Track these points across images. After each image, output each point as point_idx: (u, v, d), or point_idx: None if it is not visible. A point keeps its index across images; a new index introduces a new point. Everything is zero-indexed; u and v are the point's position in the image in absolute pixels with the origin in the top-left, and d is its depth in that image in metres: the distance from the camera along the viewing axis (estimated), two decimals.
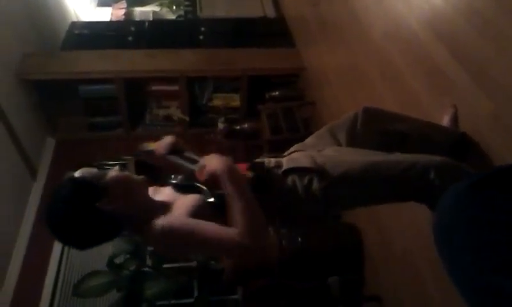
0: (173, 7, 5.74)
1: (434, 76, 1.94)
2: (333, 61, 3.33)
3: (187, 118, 4.28)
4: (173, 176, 1.54)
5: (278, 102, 3.94)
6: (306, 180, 1.47)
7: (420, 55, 2.05)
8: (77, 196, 1.29)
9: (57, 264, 3.42)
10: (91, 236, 1.37)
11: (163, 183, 1.54)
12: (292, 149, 1.69)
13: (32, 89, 3.90)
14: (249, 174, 1.48)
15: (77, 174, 1.33)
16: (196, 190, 1.44)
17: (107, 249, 2.98)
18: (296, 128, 3.62)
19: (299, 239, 2.77)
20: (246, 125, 4.17)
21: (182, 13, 5.62)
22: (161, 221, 1.32)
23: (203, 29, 4.65)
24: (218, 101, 4.34)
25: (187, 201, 1.41)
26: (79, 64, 3.98)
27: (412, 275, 2.25)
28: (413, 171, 1.44)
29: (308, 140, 1.75)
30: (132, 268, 2.88)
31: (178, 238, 1.32)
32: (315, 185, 1.46)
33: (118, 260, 2.91)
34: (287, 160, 1.57)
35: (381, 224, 2.61)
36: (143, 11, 5.81)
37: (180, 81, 4.07)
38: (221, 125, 4.17)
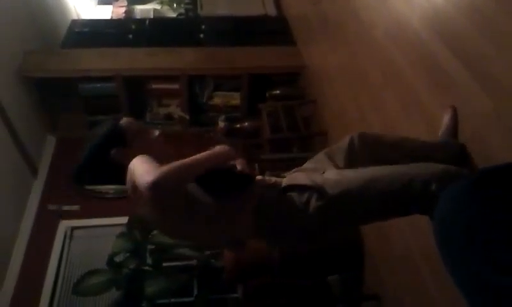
0: (173, 5, 5.73)
1: (435, 75, 1.94)
2: (334, 60, 3.33)
3: (188, 117, 4.28)
4: None
5: (279, 100, 3.93)
6: (305, 198, 1.46)
7: (421, 54, 2.04)
8: (103, 136, 1.45)
9: (57, 262, 3.43)
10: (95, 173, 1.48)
11: None
12: (292, 171, 1.68)
13: (33, 87, 3.90)
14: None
15: (121, 120, 1.50)
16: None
17: (107, 247, 2.99)
18: (297, 127, 3.62)
19: None
20: (246, 124, 4.16)
21: (182, 11, 5.62)
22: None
23: (203, 27, 4.64)
24: (218, 99, 4.34)
25: None
26: (80, 62, 3.98)
27: (412, 274, 2.25)
28: (414, 184, 1.42)
29: (307, 164, 1.73)
30: (132, 266, 2.88)
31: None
32: (313, 203, 1.45)
33: (117, 259, 2.92)
34: (288, 178, 1.57)
35: (381, 223, 2.61)
36: (143, 9, 5.80)
37: (181, 79, 4.07)
38: (221, 124, 4.17)
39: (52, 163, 4.06)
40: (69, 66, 3.94)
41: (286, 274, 2.81)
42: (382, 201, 1.45)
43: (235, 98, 4.33)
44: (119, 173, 1.40)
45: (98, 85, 4.06)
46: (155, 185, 1.22)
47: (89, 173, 1.49)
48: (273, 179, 1.58)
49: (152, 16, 5.60)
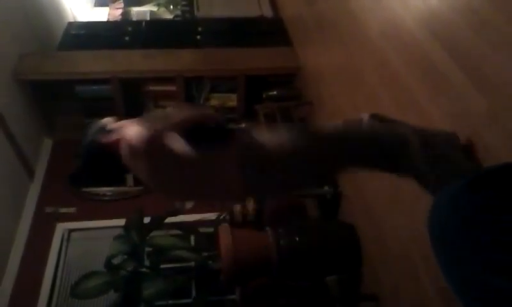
0: (170, 7, 5.74)
1: (430, 75, 1.95)
2: (330, 61, 3.33)
3: None
4: None
5: (275, 101, 3.94)
6: None
7: (417, 54, 2.05)
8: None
9: (54, 265, 3.42)
10: None
11: None
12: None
13: (29, 89, 3.89)
14: None
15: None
16: None
17: (104, 250, 2.98)
18: None
19: (297, 238, 2.78)
20: (243, 125, 4.16)
21: (179, 12, 5.62)
22: None
23: (200, 28, 4.64)
24: (215, 101, 4.34)
25: None
26: (76, 64, 3.97)
27: (410, 274, 2.25)
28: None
29: None
30: (130, 268, 2.87)
31: None
32: None
33: (115, 261, 2.91)
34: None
35: (378, 223, 2.61)
36: (140, 11, 5.80)
37: (177, 81, 4.07)
38: None
39: (49, 166, 4.06)
40: (65, 68, 3.94)
41: (284, 275, 2.81)
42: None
43: (232, 100, 4.33)
44: (114, 168, 1.40)
45: (95, 87, 4.06)
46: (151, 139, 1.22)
47: (86, 174, 1.50)
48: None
49: (148, 18, 5.60)
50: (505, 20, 1.51)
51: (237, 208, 3.22)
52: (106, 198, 3.81)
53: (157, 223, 3.08)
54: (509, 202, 0.70)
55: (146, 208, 3.17)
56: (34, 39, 4.18)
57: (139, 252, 2.96)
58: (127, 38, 4.45)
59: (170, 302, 2.97)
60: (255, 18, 4.98)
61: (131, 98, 4.16)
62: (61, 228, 3.62)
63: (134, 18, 5.67)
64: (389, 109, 2.34)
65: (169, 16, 5.72)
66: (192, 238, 3.39)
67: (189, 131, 1.31)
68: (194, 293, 3.11)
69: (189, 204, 3.67)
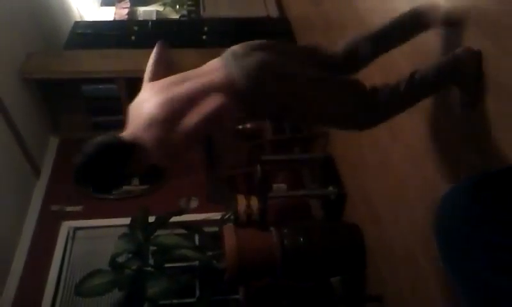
0: (176, 6, 5.75)
1: None
2: None
3: None
4: None
5: None
6: None
7: (424, 56, 2.04)
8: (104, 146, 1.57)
9: (59, 262, 3.43)
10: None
11: None
12: None
13: (36, 88, 3.91)
14: None
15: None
16: None
17: (109, 248, 2.99)
18: (299, 128, 3.62)
19: (301, 239, 2.77)
20: (248, 125, 4.17)
21: (185, 12, 5.64)
22: None
23: (206, 28, 4.65)
24: None
25: None
26: (82, 63, 3.98)
27: (415, 274, 2.25)
28: None
29: None
30: (134, 267, 2.88)
31: None
32: None
33: (120, 259, 2.92)
34: None
35: (383, 224, 2.61)
36: (146, 11, 5.82)
37: None
38: None
39: (55, 164, 4.07)
40: (71, 67, 3.95)
41: (288, 276, 2.81)
42: None
43: None
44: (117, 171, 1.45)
45: (101, 86, 4.07)
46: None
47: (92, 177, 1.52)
48: None
49: (154, 18, 5.61)
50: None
51: (242, 208, 3.22)
52: (111, 197, 3.82)
53: (162, 222, 3.09)
54: None
55: (151, 207, 3.18)
56: (41, 38, 4.20)
57: (143, 251, 2.96)
58: (133, 38, 4.46)
59: (174, 301, 2.97)
60: (261, 18, 4.98)
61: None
62: (67, 226, 3.63)
63: (140, 18, 5.69)
64: None
65: (175, 16, 5.73)
66: (196, 237, 3.39)
67: None
68: (198, 292, 3.12)
69: (193, 204, 3.69)
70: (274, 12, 5.09)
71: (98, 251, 3.38)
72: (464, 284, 0.69)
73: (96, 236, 3.61)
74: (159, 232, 3.08)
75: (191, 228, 3.27)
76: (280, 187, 3.61)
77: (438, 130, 1.97)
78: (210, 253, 3.08)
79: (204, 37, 4.56)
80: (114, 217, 3.59)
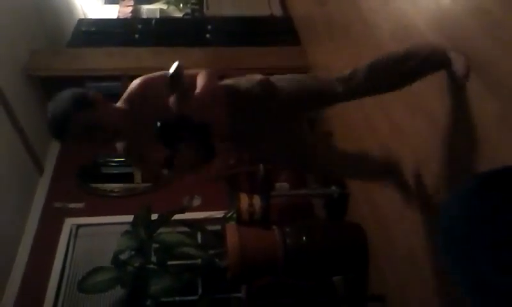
0: (179, 5, 5.76)
1: (441, 77, 1.93)
2: (339, 61, 3.32)
3: None
4: None
5: None
6: None
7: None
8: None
9: (62, 259, 3.44)
10: None
11: None
12: None
13: (39, 85, 3.92)
14: None
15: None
16: None
17: (112, 245, 3.00)
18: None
19: (304, 238, 2.77)
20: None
21: (188, 11, 5.64)
22: None
23: (209, 27, 4.65)
24: None
25: None
26: (86, 61, 4.00)
27: (417, 274, 2.25)
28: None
29: None
30: (137, 264, 2.89)
31: None
32: None
33: (122, 257, 2.93)
34: None
35: (385, 223, 2.61)
36: (150, 9, 5.83)
37: None
38: None
39: (58, 161, 4.08)
40: (76, 65, 3.96)
41: (290, 274, 2.81)
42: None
43: None
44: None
45: (105, 84, 4.08)
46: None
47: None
48: None
49: (158, 16, 5.62)
50: None
51: (245, 206, 3.22)
52: (114, 194, 3.83)
53: (165, 220, 3.09)
54: None
55: (154, 205, 3.19)
56: (45, 36, 4.21)
57: (146, 249, 2.97)
58: (137, 36, 4.47)
59: (176, 298, 2.98)
60: (265, 17, 4.98)
61: None
62: (69, 223, 3.65)
63: (144, 16, 5.70)
64: (398, 109, 2.34)
65: (178, 14, 5.74)
66: (199, 235, 3.40)
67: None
68: (200, 290, 3.12)
69: (196, 202, 3.69)
70: (277, 11, 5.09)
71: (100, 248, 3.39)
72: (467, 283, 0.69)
73: (99, 234, 3.62)
74: (161, 230, 3.09)
75: (194, 226, 3.27)
76: (282, 186, 3.61)
77: (440, 132, 1.97)
78: (212, 251, 3.09)
79: (208, 35, 4.57)
80: (117, 215, 3.60)
